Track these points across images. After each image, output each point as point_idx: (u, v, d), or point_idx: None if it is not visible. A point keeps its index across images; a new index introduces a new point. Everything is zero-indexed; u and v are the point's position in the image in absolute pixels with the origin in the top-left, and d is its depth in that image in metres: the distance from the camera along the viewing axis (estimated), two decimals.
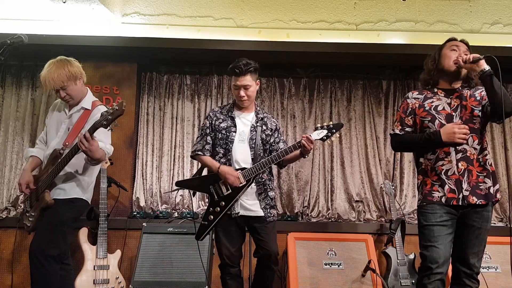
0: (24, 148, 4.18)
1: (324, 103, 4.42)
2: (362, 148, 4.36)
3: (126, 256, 3.76)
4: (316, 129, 2.60)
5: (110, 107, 2.35)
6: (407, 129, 2.39)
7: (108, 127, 2.36)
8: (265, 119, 2.75)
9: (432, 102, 2.34)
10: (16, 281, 3.76)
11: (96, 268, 3.31)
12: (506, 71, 4.19)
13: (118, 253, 3.48)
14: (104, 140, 2.59)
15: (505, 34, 4.18)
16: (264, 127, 2.71)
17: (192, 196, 2.96)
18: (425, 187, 2.30)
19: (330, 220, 4.13)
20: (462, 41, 2.40)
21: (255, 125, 2.69)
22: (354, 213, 4.19)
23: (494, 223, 4.12)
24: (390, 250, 3.59)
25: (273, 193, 2.72)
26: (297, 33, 4.19)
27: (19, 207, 4.01)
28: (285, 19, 4.24)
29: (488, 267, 3.34)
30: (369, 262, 3.33)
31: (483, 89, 2.28)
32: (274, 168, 2.84)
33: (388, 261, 3.59)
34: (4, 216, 3.96)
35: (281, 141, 2.78)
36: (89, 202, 2.72)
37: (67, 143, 2.53)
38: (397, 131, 2.41)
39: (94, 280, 3.26)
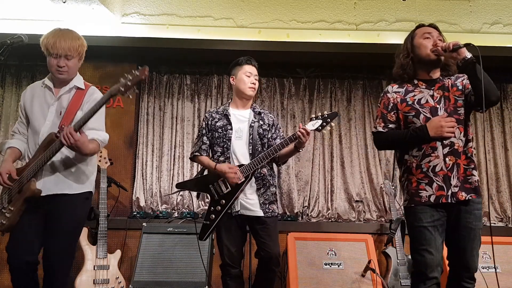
0: None
1: (324, 103, 4.42)
2: (362, 148, 4.36)
3: (126, 256, 3.76)
4: (311, 119, 2.55)
5: (130, 75, 2.18)
6: (390, 125, 2.25)
7: (126, 94, 2.17)
8: (262, 115, 2.76)
9: (415, 95, 2.21)
10: None
11: (96, 268, 3.30)
12: (506, 71, 4.30)
13: (118, 253, 3.47)
14: (97, 126, 2.33)
15: (505, 34, 4.18)
16: (261, 122, 2.72)
17: (196, 198, 2.94)
18: (411, 186, 2.17)
19: (330, 220, 4.14)
20: (431, 25, 2.25)
21: (253, 120, 2.70)
22: (354, 213, 4.19)
23: (494, 223, 4.13)
24: (390, 250, 3.59)
25: (275, 188, 2.70)
26: (297, 33, 4.19)
27: None
28: (285, 19, 4.24)
29: (488, 267, 3.33)
30: (369, 262, 3.33)
31: (464, 77, 2.18)
32: (275, 167, 2.84)
33: (388, 261, 3.59)
34: None
35: (278, 137, 2.75)
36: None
37: (63, 126, 2.24)
38: (380, 129, 2.27)
39: (94, 280, 3.25)
